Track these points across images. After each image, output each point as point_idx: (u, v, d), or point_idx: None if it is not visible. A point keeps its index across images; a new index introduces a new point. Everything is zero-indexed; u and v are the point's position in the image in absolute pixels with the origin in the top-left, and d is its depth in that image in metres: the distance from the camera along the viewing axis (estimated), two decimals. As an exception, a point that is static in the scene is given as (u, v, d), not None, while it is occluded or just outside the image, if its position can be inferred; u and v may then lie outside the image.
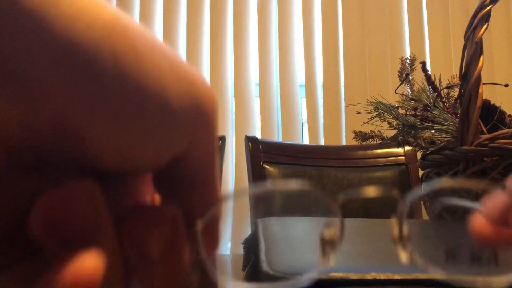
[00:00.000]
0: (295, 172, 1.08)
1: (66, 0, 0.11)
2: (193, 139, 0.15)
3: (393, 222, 0.22)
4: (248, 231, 1.41)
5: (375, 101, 0.68)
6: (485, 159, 0.54)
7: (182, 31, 1.58)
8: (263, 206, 1.00)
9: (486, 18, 0.56)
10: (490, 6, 0.56)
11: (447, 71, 1.47)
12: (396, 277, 0.31)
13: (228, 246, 1.47)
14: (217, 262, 0.18)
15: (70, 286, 0.11)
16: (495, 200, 0.20)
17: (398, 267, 0.31)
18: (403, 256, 0.21)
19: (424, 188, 0.22)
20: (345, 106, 1.52)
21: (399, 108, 0.68)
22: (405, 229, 0.22)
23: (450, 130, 0.60)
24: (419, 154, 0.66)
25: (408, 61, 0.71)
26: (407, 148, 1.08)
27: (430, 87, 0.68)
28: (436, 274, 0.20)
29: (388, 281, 0.31)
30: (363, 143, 0.70)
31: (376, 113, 0.68)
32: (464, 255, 0.23)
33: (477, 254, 0.23)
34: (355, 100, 1.24)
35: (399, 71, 0.73)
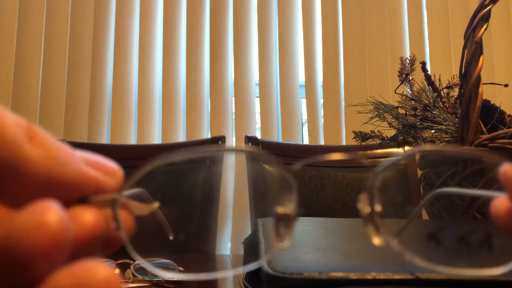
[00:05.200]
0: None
1: None
2: None
3: (363, 197, 0.20)
4: (248, 231, 1.41)
5: (375, 101, 0.68)
6: (484, 159, 0.54)
7: (182, 31, 1.58)
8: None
9: (486, 18, 0.56)
10: (490, 6, 0.56)
11: (447, 71, 1.47)
12: (396, 277, 0.31)
13: (228, 246, 1.47)
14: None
15: None
16: None
17: (398, 267, 0.31)
18: (375, 239, 0.19)
19: (398, 157, 0.21)
20: (345, 106, 1.52)
21: (399, 108, 0.68)
22: (377, 205, 0.19)
23: (450, 130, 0.60)
24: (418, 154, 0.66)
25: (408, 61, 0.71)
26: (407, 148, 1.08)
27: (430, 87, 0.68)
28: (416, 261, 0.19)
29: (388, 281, 0.31)
30: (363, 143, 0.70)
31: (376, 113, 0.68)
32: (448, 245, 0.22)
33: (462, 246, 0.23)
34: (355, 100, 1.24)
35: (399, 71, 0.73)
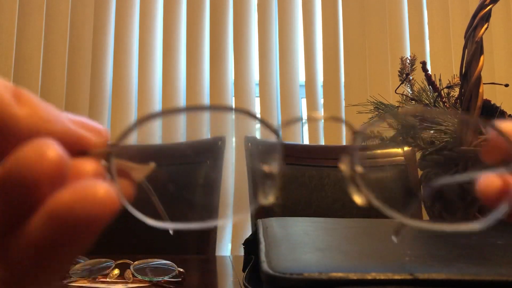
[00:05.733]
0: (295, 172, 1.08)
1: None
2: None
3: (344, 159, 0.21)
4: (248, 232, 1.40)
5: (375, 101, 0.68)
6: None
7: (182, 31, 1.58)
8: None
9: (487, 17, 0.56)
10: (491, 5, 0.56)
11: (447, 71, 1.47)
12: (396, 277, 0.31)
13: (228, 247, 1.46)
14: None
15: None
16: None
17: (399, 267, 0.31)
18: (357, 198, 0.21)
19: (376, 120, 0.22)
20: (345, 106, 1.52)
21: (399, 108, 0.68)
22: (358, 166, 0.21)
23: (449, 131, 0.60)
24: (418, 154, 0.65)
25: (408, 61, 0.71)
26: (406, 148, 1.08)
27: (430, 87, 0.68)
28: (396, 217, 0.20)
29: (388, 281, 0.30)
30: (363, 143, 0.70)
31: (376, 113, 0.68)
32: (427, 201, 0.23)
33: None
34: (355, 100, 1.24)
35: (399, 71, 0.72)
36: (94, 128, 0.19)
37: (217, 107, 0.21)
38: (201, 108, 0.20)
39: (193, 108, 0.20)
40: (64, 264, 0.16)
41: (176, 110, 0.20)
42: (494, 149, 0.21)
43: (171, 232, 0.22)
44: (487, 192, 0.20)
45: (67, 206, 0.15)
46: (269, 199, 0.21)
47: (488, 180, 0.20)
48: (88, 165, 0.17)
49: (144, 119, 0.19)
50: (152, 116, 0.19)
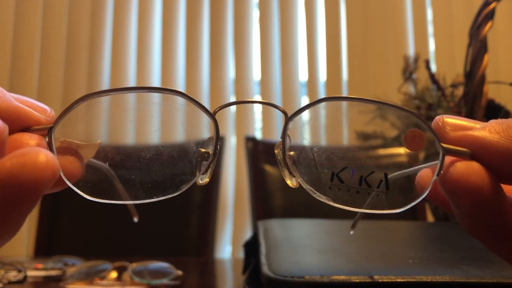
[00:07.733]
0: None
1: None
2: None
3: (277, 144, 0.22)
4: (248, 234, 1.40)
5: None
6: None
7: (182, 29, 1.57)
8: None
9: (491, 15, 0.55)
10: (495, 3, 0.55)
11: (451, 69, 1.46)
12: (399, 280, 0.30)
13: (228, 249, 1.45)
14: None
15: None
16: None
17: (402, 270, 0.31)
18: (288, 181, 0.21)
19: (308, 105, 0.23)
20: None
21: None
22: (290, 152, 0.21)
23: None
24: (421, 155, 0.65)
25: (411, 59, 0.70)
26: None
27: (434, 85, 0.67)
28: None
29: (391, 284, 0.30)
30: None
31: (378, 112, 0.67)
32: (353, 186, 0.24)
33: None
34: (357, 99, 1.22)
35: (402, 70, 0.72)
36: (38, 107, 0.20)
37: (148, 88, 0.23)
38: (127, 89, 0.23)
39: (120, 89, 0.22)
40: (9, 229, 0.17)
41: (107, 91, 0.21)
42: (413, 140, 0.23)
43: (135, 219, 0.23)
44: (421, 184, 0.21)
45: (9, 173, 0.15)
46: (204, 179, 0.21)
47: (422, 173, 0.22)
48: (30, 139, 0.18)
49: (79, 100, 0.21)
50: (84, 98, 0.21)
